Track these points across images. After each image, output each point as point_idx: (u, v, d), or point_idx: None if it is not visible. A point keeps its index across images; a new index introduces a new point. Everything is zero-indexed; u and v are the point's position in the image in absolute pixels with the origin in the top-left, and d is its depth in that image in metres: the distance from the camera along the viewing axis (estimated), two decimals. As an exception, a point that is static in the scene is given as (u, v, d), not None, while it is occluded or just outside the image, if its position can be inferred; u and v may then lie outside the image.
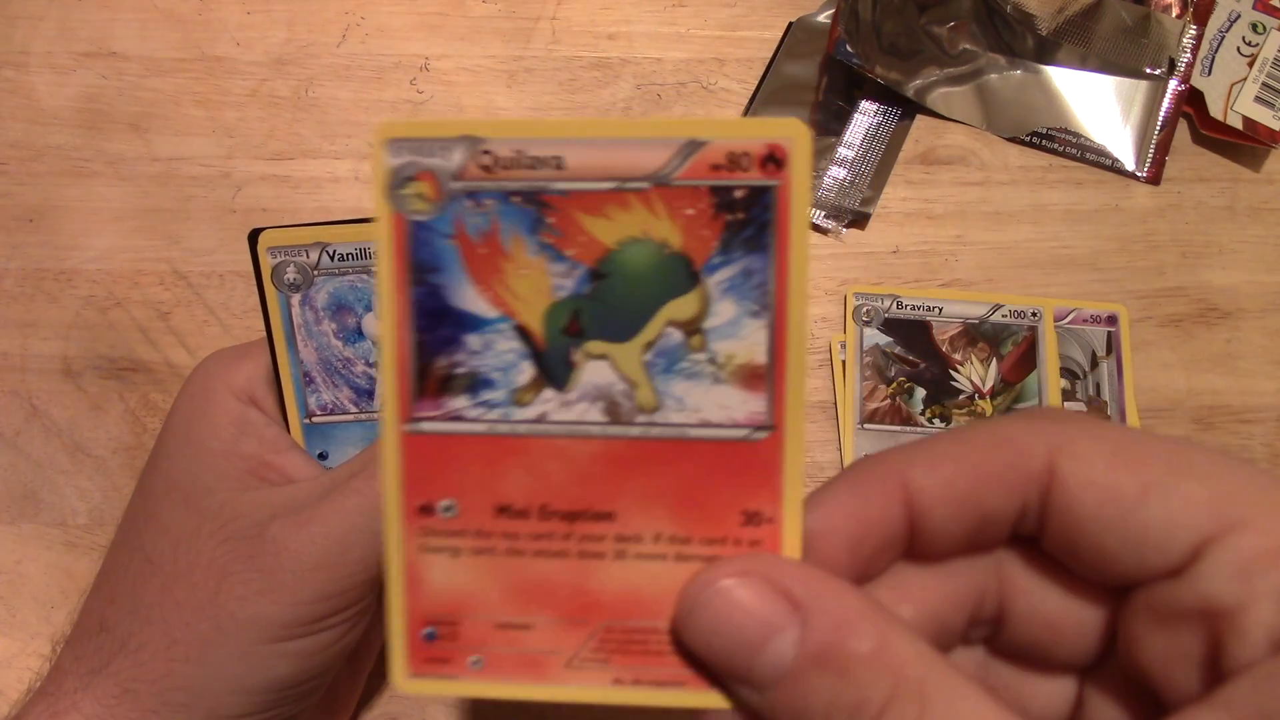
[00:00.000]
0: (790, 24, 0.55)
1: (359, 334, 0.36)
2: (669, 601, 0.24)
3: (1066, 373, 0.48)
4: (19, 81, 0.54)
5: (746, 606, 0.22)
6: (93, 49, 0.54)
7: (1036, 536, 0.24)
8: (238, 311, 0.49)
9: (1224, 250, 0.51)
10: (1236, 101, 0.52)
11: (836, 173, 0.52)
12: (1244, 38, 0.53)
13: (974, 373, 0.48)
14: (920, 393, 0.48)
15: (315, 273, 0.35)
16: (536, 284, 0.24)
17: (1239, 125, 0.52)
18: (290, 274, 0.35)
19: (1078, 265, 0.51)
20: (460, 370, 0.24)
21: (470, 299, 0.24)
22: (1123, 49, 0.53)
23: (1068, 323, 0.49)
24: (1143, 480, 0.22)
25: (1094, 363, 0.48)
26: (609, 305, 0.24)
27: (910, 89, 0.53)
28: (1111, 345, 0.49)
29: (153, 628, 0.32)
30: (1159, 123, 0.53)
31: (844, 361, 0.48)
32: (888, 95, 0.53)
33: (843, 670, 0.21)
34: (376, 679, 0.43)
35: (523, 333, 0.24)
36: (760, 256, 0.24)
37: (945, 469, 0.24)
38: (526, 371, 0.24)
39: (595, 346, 0.24)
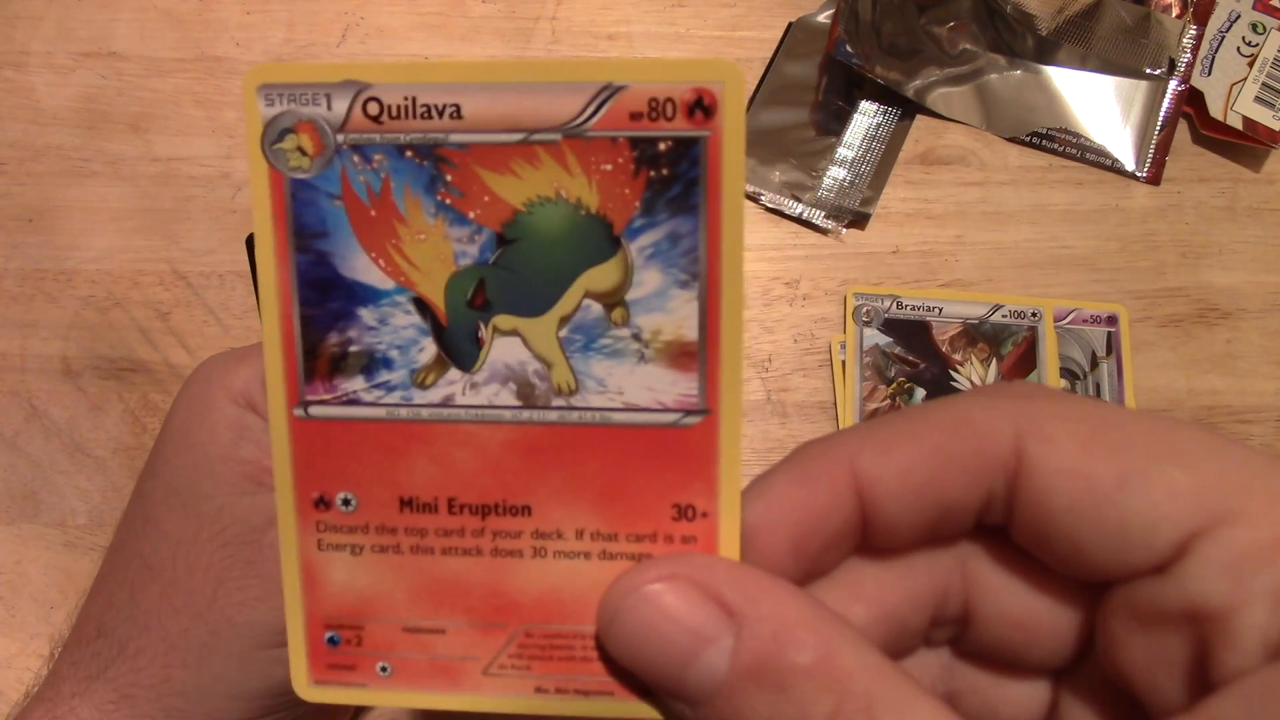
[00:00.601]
0: (790, 24, 0.55)
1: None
2: (594, 604, 0.21)
3: (1066, 373, 0.48)
4: (19, 81, 0.54)
5: (674, 614, 0.20)
6: (92, 49, 0.54)
7: (1004, 526, 0.21)
8: (237, 312, 0.49)
9: (1224, 250, 0.51)
10: (1236, 102, 0.52)
11: (836, 173, 0.52)
12: (1244, 38, 0.53)
13: (974, 373, 0.48)
14: (920, 393, 0.48)
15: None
16: (436, 251, 0.21)
17: (1239, 125, 0.52)
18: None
19: (1078, 265, 0.51)
20: (354, 348, 0.21)
21: (362, 268, 0.21)
22: (1123, 49, 0.53)
23: (1068, 323, 0.49)
24: (1121, 466, 0.19)
25: (1094, 363, 0.48)
26: (519, 274, 0.21)
27: (910, 89, 0.53)
28: (1111, 345, 0.49)
29: (150, 633, 0.32)
30: (1159, 123, 0.53)
31: (844, 362, 0.48)
32: (888, 95, 0.53)
33: (781, 685, 0.19)
34: (376, 680, 0.43)
35: (422, 306, 0.21)
36: (688, 218, 0.20)
37: (900, 454, 0.21)
38: (428, 350, 0.21)
39: (504, 321, 0.21)
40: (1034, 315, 0.49)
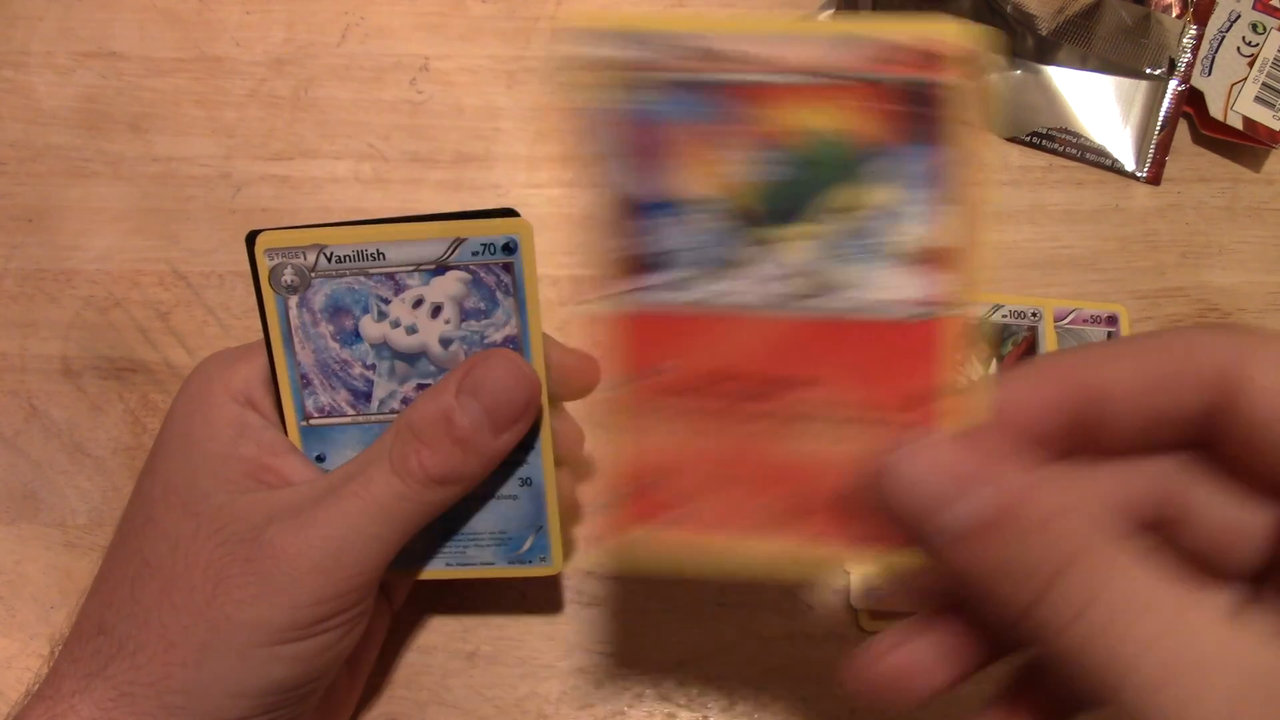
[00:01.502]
0: (790, 24, 0.55)
1: (356, 336, 0.36)
2: (860, 466, 0.26)
3: None
4: (19, 81, 0.54)
5: (947, 462, 0.24)
6: (92, 49, 0.54)
7: (1212, 444, 0.24)
8: (237, 312, 0.49)
9: (1224, 250, 0.51)
10: (1236, 102, 0.52)
11: (836, 173, 0.52)
12: (1244, 38, 0.53)
13: (974, 374, 0.48)
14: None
15: (312, 274, 0.35)
16: (734, 171, 0.26)
17: (1239, 125, 0.52)
18: (287, 276, 0.35)
19: (1078, 265, 0.51)
20: (657, 246, 0.27)
21: (670, 183, 0.26)
22: (1123, 49, 0.53)
23: (1068, 323, 0.49)
24: None
25: None
26: (798, 185, 0.26)
27: (910, 89, 0.53)
28: None
29: (150, 631, 0.32)
30: (1159, 123, 0.53)
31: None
32: (888, 95, 0.53)
33: (1023, 532, 0.22)
34: (375, 679, 0.43)
35: (720, 215, 0.26)
36: (938, 149, 0.25)
37: (1129, 363, 0.25)
38: (719, 249, 0.26)
39: (788, 230, 0.26)
40: (1034, 315, 0.49)
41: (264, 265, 0.35)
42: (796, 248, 0.26)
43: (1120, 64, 0.53)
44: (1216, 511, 0.26)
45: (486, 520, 0.37)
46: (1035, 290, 0.50)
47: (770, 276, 0.26)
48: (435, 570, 0.38)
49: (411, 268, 0.35)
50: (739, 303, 0.26)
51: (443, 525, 0.37)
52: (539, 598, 0.45)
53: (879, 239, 0.26)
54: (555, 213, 0.51)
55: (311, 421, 0.37)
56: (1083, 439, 0.26)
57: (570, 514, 0.45)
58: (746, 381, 0.27)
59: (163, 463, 0.35)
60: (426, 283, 0.35)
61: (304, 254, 0.35)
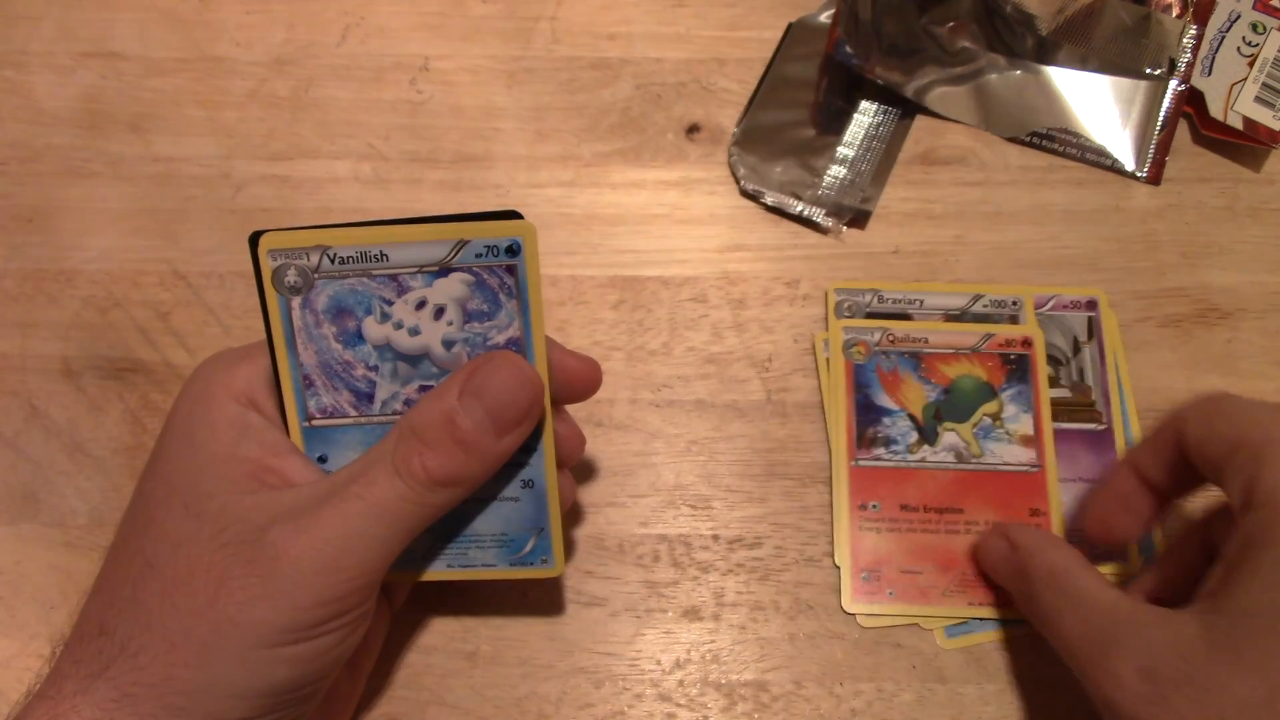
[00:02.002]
0: (790, 24, 0.55)
1: (359, 338, 0.36)
2: None
3: (1050, 360, 0.48)
4: (19, 81, 0.54)
5: (994, 549, 0.43)
6: (92, 49, 0.54)
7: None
8: (238, 312, 0.49)
9: (1224, 250, 0.51)
10: (1236, 102, 0.52)
11: (837, 171, 0.52)
12: (1244, 38, 0.53)
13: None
14: (920, 393, 0.49)
15: (316, 275, 0.35)
16: (919, 394, 0.48)
17: (1239, 125, 0.52)
18: (290, 277, 0.35)
19: (1078, 265, 0.51)
20: (880, 434, 0.47)
21: (884, 399, 0.47)
22: (1123, 49, 0.53)
23: (1048, 310, 0.49)
24: (1205, 430, 0.36)
25: (1076, 348, 0.48)
26: (954, 405, 0.47)
27: (910, 89, 0.53)
28: (1093, 330, 0.49)
29: (152, 632, 0.32)
30: (1159, 123, 0.53)
31: (828, 359, 0.48)
32: (888, 95, 0.53)
33: (1024, 572, 0.40)
34: (376, 680, 0.43)
35: (912, 418, 0.47)
36: (1027, 385, 0.48)
37: (1143, 444, 0.39)
38: (913, 436, 0.47)
39: (948, 425, 0.47)
40: (1014, 304, 0.49)
41: (267, 266, 0.35)
42: (960, 434, 0.47)
43: (1120, 64, 0.53)
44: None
45: (488, 522, 0.38)
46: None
47: (944, 449, 0.47)
48: (437, 572, 0.38)
49: (415, 269, 0.35)
50: (925, 463, 0.47)
51: (444, 527, 0.37)
52: (539, 598, 0.45)
53: (1004, 429, 0.47)
54: (555, 213, 0.51)
55: (314, 422, 0.36)
56: (1157, 490, 0.40)
57: (571, 516, 0.46)
58: (928, 509, 0.46)
59: (164, 463, 0.35)
60: (429, 284, 0.35)
61: (307, 255, 0.35)
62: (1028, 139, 0.53)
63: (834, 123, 0.53)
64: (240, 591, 0.32)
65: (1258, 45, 0.53)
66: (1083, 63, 0.54)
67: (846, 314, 0.49)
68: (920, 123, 0.54)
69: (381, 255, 0.35)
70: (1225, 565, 0.33)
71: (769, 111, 0.53)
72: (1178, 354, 0.49)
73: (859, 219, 0.51)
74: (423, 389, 0.36)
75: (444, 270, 0.35)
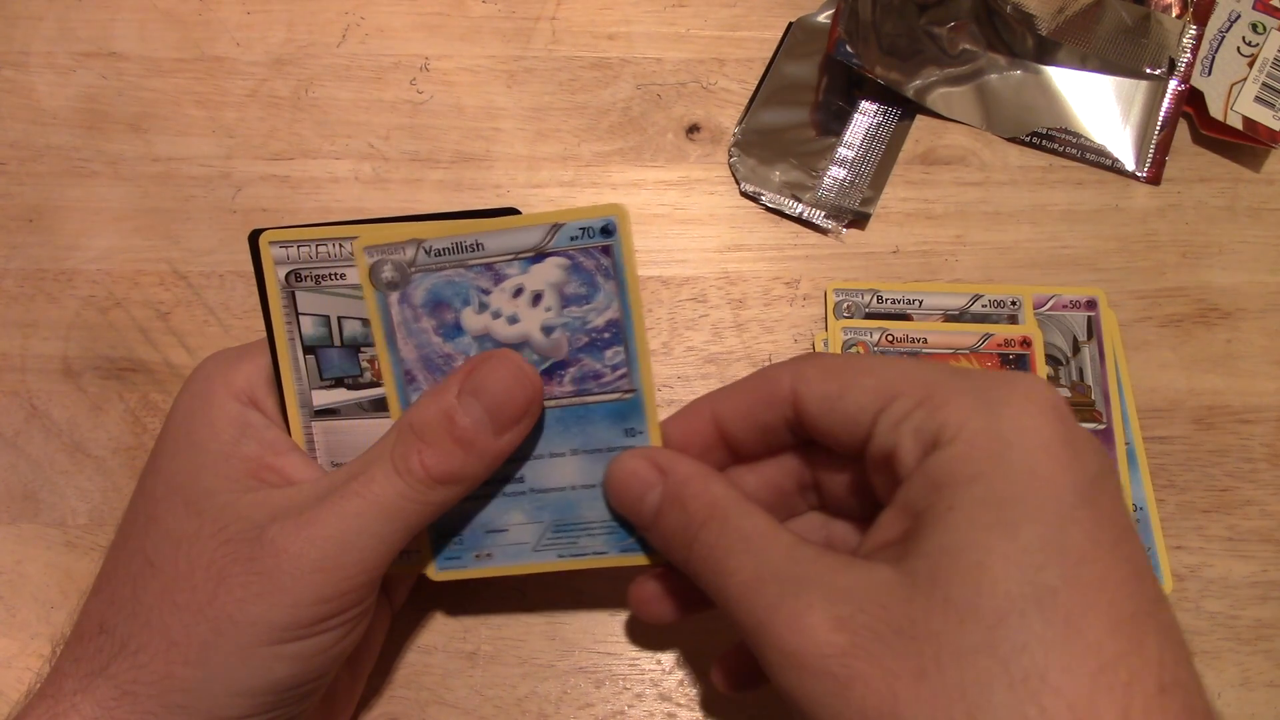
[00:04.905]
0: (790, 24, 0.55)
1: (458, 329, 0.36)
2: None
3: (1050, 359, 0.48)
4: (19, 81, 0.54)
5: (636, 472, 0.35)
6: (93, 49, 0.54)
7: (808, 436, 0.35)
8: (238, 311, 0.49)
9: (1224, 250, 0.51)
10: (1236, 101, 0.52)
11: (836, 173, 0.52)
12: (1244, 38, 0.53)
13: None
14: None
15: (412, 270, 0.35)
16: None
17: (1239, 125, 0.52)
18: (387, 272, 0.35)
19: (1078, 265, 0.51)
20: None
21: None
22: (1123, 49, 0.53)
23: (1047, 309, 0.49)
24: (842, 384, 0.33)
25: (1075, 347, 0.48)
26: None
27: (910, 89, 0.53)
28: (1092, 329, 0.49)
29: (152, 630, 0.32)
30: (1159, 123, 0.53)
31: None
32: (888, 95, 0.53)
33: (683, 504, 0.34)
34: (376, 679, 0.43)
35: None
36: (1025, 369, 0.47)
37: (733, 399, 0.36)
38: None
39: None
40: (1014, 304, 0.49)
41: (363, 263, 0.35)
42: None
43: (1120, 64, 0.53)
44: (831, 476, 0.36)
45: (599, 510, 0.37)
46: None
47: None
48: (545, 563, 0.38)
49: (510, 256, 0.35)
50: None
51: (554, 516, 0.37)
52: (539, 598, 0.45)
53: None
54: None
55: None
56: (730, 449, 0.37)
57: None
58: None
59: (165, 462, 0.35)
60: (526, 270, 0.35)
61: (402, 249, 0.35)
62: (1028, 139, 0.53)
63: (834, 123, 0.53)
64: (240, 589, 0.32)
65: (1258, 45, 0.53)
66: (1083, 62, 0.54)
67: (846, 314, 0.49)
68: (920, 123, 0.54)
69: (476, 245, 0.35)
70: (905, 510, 0.30)
71: (769, 112, 0.53)
72: (1178, 354, 0.49)
73: (858, 220, 0.51)
74: None
75: (539, 255, 0.35)
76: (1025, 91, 0.54)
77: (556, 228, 0.35)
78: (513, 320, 0.36)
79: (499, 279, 0.35)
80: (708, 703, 0.43)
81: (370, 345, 0.36)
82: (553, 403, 0.36)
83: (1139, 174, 0.53)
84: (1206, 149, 0.54)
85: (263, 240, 0.35)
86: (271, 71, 0.54)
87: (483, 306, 0.35)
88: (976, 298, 0.49)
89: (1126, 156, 0.53)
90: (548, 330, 0.36)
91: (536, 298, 0.35)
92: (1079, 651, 0.26)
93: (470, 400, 0.33)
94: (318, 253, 0.36)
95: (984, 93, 0.54)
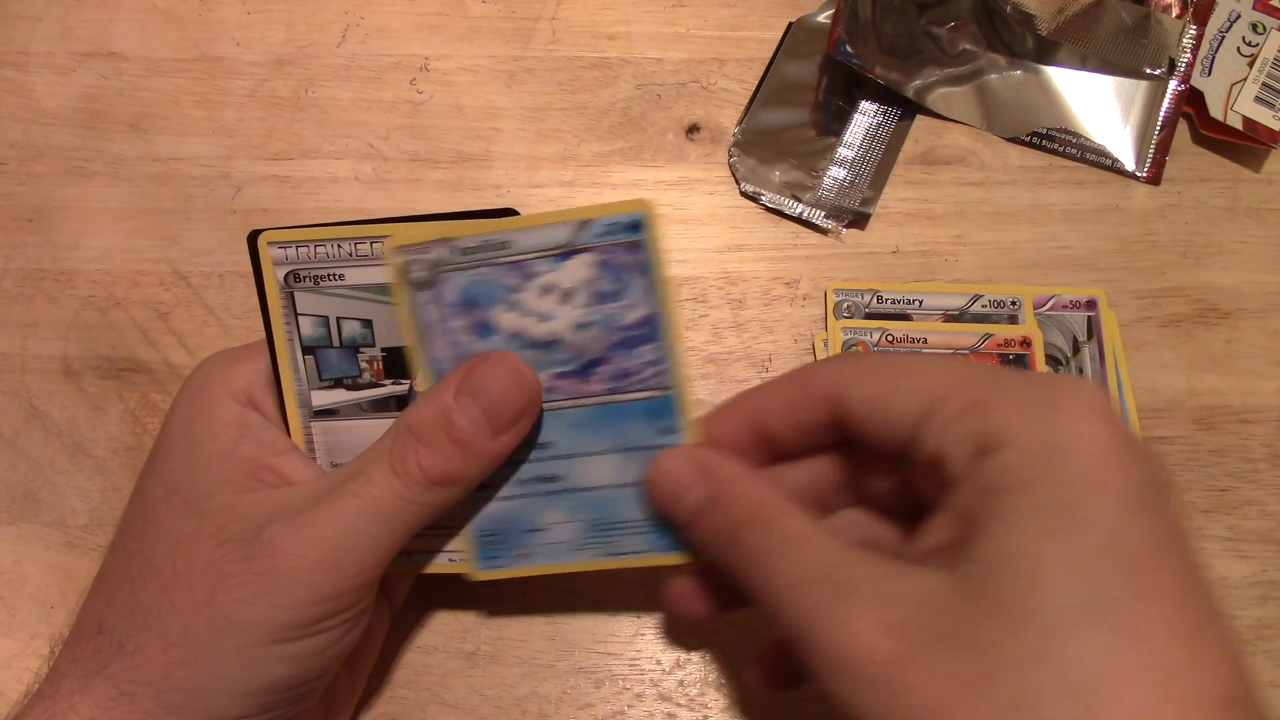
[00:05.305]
0: (790, 24, 0.55)
1: (490, 328, 0.35)
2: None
3: (1050, 359, 0.48)
4: (19, 81, 0.54)
5: (676, 472, 0.35)
6: (93, 49, 0.54)
7: (847, 437, 0.34)
8: (238, 312, 0.49)
9: (1224, 250, 0.51)
10: (1236, 101, 0.52)
11: (836, 173, 0.52)
12: (1244, 38, 0.53)
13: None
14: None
15: (442, 269, 0.35)
16: None
17: (1239, 125, 0.52)
18: (418, 271, 0.35)
19: (1078, 265, 0.51)
20: None
21: None
22: (1123, 49, 0.53)
23: (1047, 310, 0.49)
24: (886, 385, 0.32)
25: (1075, 347, 0.48)
26: None
27: (910, 89, 0.53)
28: (1092, 329, 0.49)
29: (150, 630, 0.32)
30: (1159, 123, 0.53)
31: (833, 360, 0.48)
32: (888, 95, 0.53)
33: (725, 504, 0.33)
34: (376, 679, 0.43)
35: None
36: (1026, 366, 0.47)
37: (772, 398, 0.35)
38: None
39: None
40: (1014, 304, 0.49)
41: (394, 263, 0.35)
42: None
43: (1120, 64, 0.53)
44: (871, 475, 0.35)
45: (637, 509, 0.37)
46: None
47: None
48: (585, 561, 0.38)
49: (539, 254, 0.35)
50: None
51: (591, 514, 0.37)
52: (539, 598, 0.45)
53: None
54: (555, 213, 0.51)
55: None
56: (767, 448, 0.36)
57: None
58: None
59: (163, 462, 0.35)
60: (556, 268, 0.35)
61: (432, 248, 0.35)
62: (1028, 139, 0.53)
63: (834, 123, 0.53)
64: (238, 589, 0.32)
65: (1258, 45, 0.53)
66: (1083, 62, 0.54)
67: (846, 314, 0.49)
68: (920, 123, 0.54)
69: (505, 242, 0.35)
70: (955, 516, 0.29)
71: (769, 112, 0.53)
72: (1177, 354, 0.49)
73: (858, 221, 0.51)
74: (559, 375, 0.36)
75: (569, 252, 0.35)
76: (1025, 91, 0.54)
77: (585, 224, 0.34)
78: (544, 318, 0.35)
79: (529, 277, 0.35)
80: (708, 703, 0.43)
81: (369, 345, 0.36)
82: (587, 401, 0.36)
83: (1139, 174, 0.53)
84: (1206, 149, 0.54)
85: (261, 241, 0.35)
86: (271, 71, 0.54)
87: (513, 305, 0.35)
88: (976, 298, 0.49)
89: (1126, 156, 0.53)
90: (579, 328, 0.35)
91: (567, 295, 0.35)
92: (1139, 663, 0.25)
93: (467, 401, 0.33)
94: (316, 253, 0.36)
95: (984, 93, 0.54)
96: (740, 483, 0.33)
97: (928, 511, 0.31)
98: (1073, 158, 0.53)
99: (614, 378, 0.36)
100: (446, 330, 0.35)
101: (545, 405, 0.36)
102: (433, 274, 0.35)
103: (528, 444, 0.36)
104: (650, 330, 0.35)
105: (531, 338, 0.35)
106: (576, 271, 0.35)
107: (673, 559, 0.37)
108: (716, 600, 0.37)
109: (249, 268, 0.36)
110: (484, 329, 0.35)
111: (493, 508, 0.37)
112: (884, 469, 0.35)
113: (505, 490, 0.37)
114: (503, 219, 0.35)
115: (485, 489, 0.37)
